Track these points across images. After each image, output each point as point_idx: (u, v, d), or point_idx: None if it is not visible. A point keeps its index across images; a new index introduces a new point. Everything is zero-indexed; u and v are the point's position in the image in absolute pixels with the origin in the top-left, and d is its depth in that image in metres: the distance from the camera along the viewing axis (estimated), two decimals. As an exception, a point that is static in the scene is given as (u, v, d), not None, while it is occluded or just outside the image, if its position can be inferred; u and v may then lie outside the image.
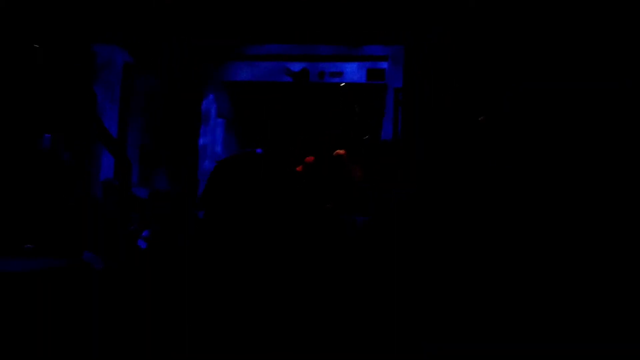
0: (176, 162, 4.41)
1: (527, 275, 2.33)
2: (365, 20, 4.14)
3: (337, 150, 3.88)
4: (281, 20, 4.21)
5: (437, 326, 2.08)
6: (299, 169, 4.14)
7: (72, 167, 3.03)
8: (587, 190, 2.74)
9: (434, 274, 2.51)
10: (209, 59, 4.52)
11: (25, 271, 1.86)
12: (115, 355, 1.78)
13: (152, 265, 2.42)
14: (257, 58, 4.47)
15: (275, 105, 4.61)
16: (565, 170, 3.03)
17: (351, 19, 4.16)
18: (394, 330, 2.02)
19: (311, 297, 2.22)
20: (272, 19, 4.23)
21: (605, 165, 2.94)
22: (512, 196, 3.21)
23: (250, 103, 4.68)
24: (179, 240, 3.19)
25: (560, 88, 3.30)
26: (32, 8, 3.34)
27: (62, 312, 1.80)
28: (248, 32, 4.39)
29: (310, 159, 4.08)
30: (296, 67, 4.36)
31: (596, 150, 2.92)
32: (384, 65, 4.20)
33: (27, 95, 2.87)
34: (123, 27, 4.00)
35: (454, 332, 2.02)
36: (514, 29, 3.54)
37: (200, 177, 4.30)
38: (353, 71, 4.26)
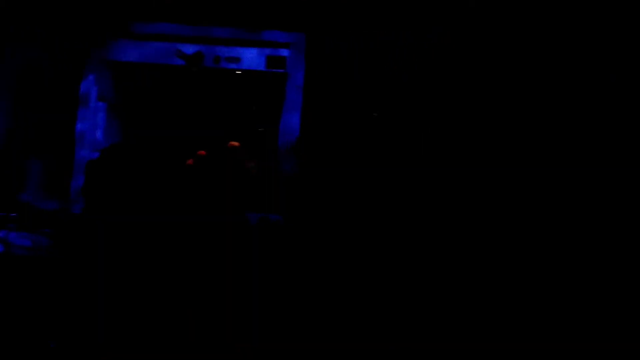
0: (49, 150, 3.88)
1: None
2: (265, 3, 3.87)
3: (231, 142, 3.60)
4: (173, -4, 3.84)
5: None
6: (189, 161, 3.80)
7: None
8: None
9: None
10: (90, 35, 4.01)
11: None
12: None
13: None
14: (147, 37, 4.04)
15: (166, 90, 4.21)
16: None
17: (250, 1, 3.87)
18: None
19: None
20: (163, -6, 3.84)
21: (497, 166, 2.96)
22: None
23: (138, 86, 4.24)
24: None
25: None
26: None
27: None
28: (135, 6, 3.95)
29: (202, 152, 3.76)
30: (190, 49, 3.99)
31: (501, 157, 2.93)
32: (285, 52, 3.97)
33: None
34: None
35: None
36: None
37: (76, 166, 3.80)
38: (252, 57, 3.98)
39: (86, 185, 2.64)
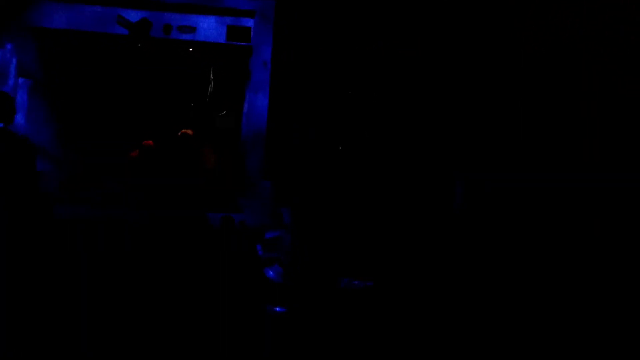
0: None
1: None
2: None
3: (184, 130, 2.98)
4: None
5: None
6: (134, 153, 3.15)
7: None
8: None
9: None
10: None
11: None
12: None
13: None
14: (81, 0, 3.32)
15: (104, 64, 3.50)
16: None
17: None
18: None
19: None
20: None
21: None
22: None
23: (69, 59, 3.51)
24: None
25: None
26: None
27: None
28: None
29: (149, 142, 3.12)
30: (134, 16, 3.30)
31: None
32: (250, 22, 3.34)
33: None
34: None
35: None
36: None
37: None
38: (210, 27, 3.33)
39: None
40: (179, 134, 2.93)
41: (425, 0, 3.16)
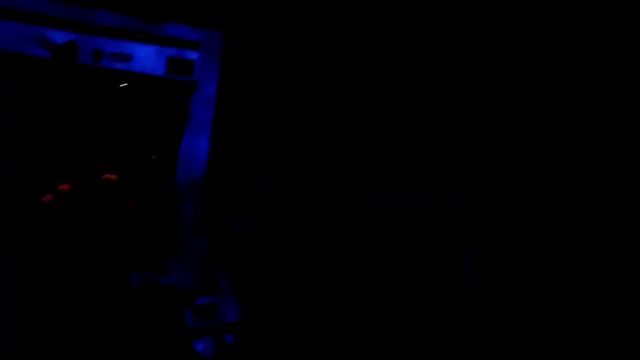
0: None
1: None
2: (171, -16, 2.90)
3: (107, 174, 2.56)
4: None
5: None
6: (46, 198, 2.70)
7: None
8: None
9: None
10: None
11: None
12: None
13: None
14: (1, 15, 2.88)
15: (20, 92, 3.04)
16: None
17: (149, -21, 2.87)
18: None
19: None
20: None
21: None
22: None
23: (-24, 82, 3.03)
24: None
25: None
26: None
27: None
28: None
29: (65, 186, 2.67)
30: (60, 37, 2.88)
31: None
32: (194, 55, 3.00)
33: None
34: None
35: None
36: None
37: None
38: (147, 57, 2.96)
39: None
40: (101, 178, 2.51)
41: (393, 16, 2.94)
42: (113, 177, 2.54)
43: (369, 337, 2.62)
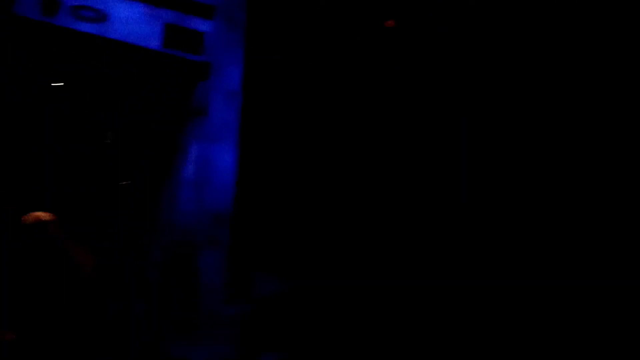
0: None
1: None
2: None
3: (36, 213, 1.40)
4: None
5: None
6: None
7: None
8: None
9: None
10: None
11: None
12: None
13: None
14: None
15: None
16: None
17: None
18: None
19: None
20: None
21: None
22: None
23: None
24: None
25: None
26: None
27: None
28: None
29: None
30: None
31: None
32: (204, 25, 1.95)
33: None
34: None
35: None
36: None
37: None
38: (133, 19, 1.86)
39: None
40: (28, 219, 1.39)
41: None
42: (46, 216, 1.39)
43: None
